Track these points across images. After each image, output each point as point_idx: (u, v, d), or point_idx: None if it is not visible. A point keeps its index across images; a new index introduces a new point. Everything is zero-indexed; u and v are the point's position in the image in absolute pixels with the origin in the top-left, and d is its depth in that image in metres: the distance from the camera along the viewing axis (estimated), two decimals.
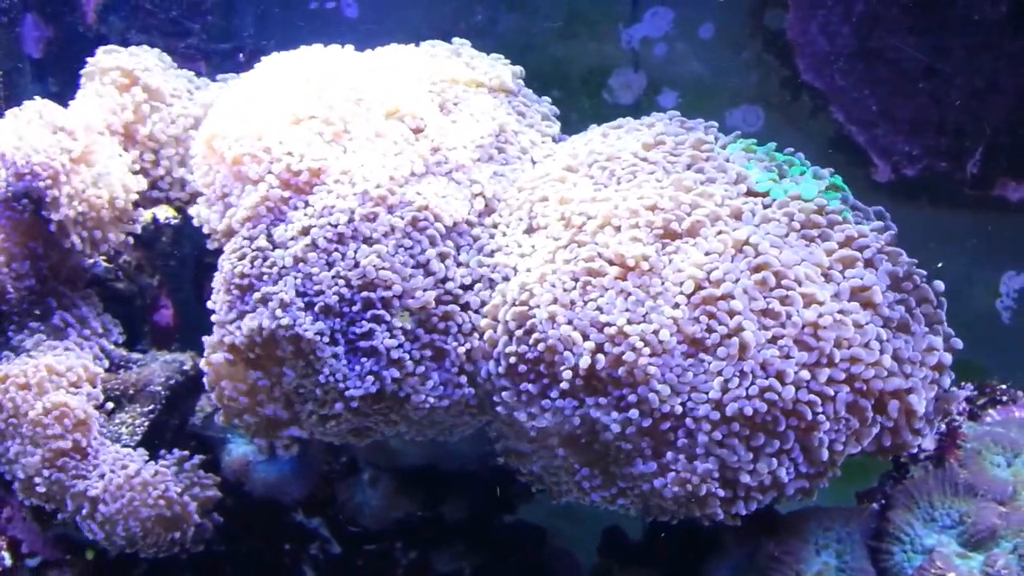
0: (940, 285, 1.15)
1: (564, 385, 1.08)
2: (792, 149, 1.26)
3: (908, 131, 1.52)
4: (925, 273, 1.14)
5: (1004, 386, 1.31)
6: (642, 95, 1.70)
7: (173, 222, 1.48)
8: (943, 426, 1.26)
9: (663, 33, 1.68)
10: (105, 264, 1.50)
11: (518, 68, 1.37)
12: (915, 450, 1.22)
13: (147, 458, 1.34)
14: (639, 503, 1.13)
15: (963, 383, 1.33)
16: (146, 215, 1.46)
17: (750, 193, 1.18)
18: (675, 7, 1.67)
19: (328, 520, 1.45)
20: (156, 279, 1.53)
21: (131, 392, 1.41)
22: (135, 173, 1.43)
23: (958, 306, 1.60)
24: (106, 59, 1.46)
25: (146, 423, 1.39)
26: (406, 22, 1.70)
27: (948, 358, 1.13)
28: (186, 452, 1.36)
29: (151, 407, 1.41)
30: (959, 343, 1.14)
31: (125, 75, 1.45)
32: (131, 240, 1.43)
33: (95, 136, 1.38)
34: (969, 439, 1.22)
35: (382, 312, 1.14)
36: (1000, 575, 1.10)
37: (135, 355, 1.46)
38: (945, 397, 1.15)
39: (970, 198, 1.52)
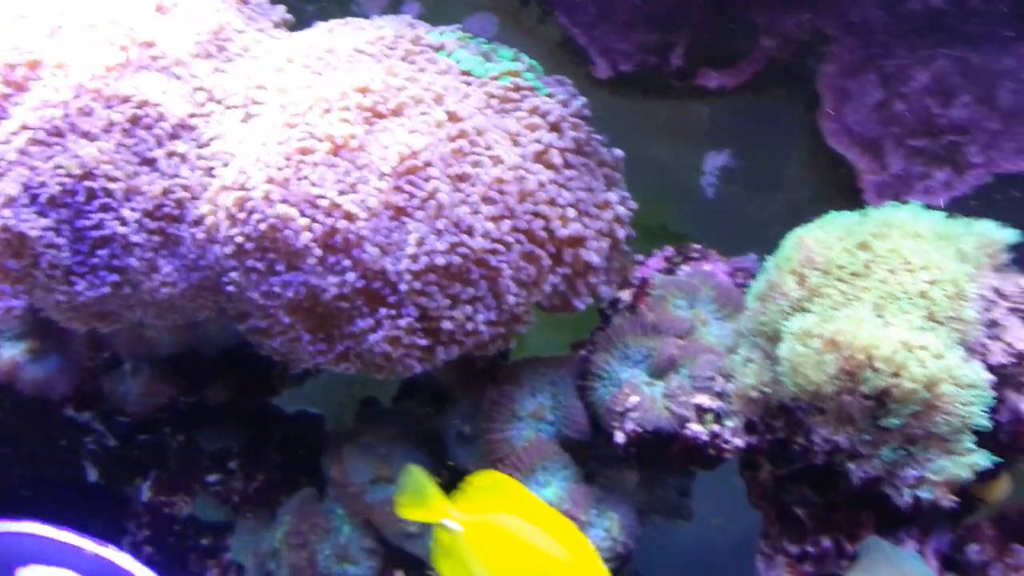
0: (619, 152, 1.22)
1: (286, 258, 1.10)
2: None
3: (622, 30, 1.59)
4: (602, 139, 1.21)
5: (697, 246, 1.42)
6: (387, 5, 1.70)
7: None
8: (637, 276, 1.36)
9: None
10: None
11: None
12: (604, 303, 1.32)
13: None
14: (358, 363, 1.16)
15: (664, 246, 1.44)
16: None
17: (455, 78, 1.22)
18: None
19: (99, 414, 1.43)
20: None
21: None
22: None
23: (670, 186, 1.71)
24: None
25: None
26: None
27: (623, 212, 1.20)
28: None
29: None
30: (634, 204, 1.22)
31: None
32: None
33: None
34: (656, 287, 1.32)
35: (108, 201, 1.13)
36: (676, 394, 1.20)
37: None
38: (624, 253, 1.23)
39: (676, 88, 1.61)
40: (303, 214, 1.07)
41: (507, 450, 1.24)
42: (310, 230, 1.07)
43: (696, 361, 1.22)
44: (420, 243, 1.07)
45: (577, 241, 1.15)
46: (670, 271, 1.37)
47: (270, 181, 1.08)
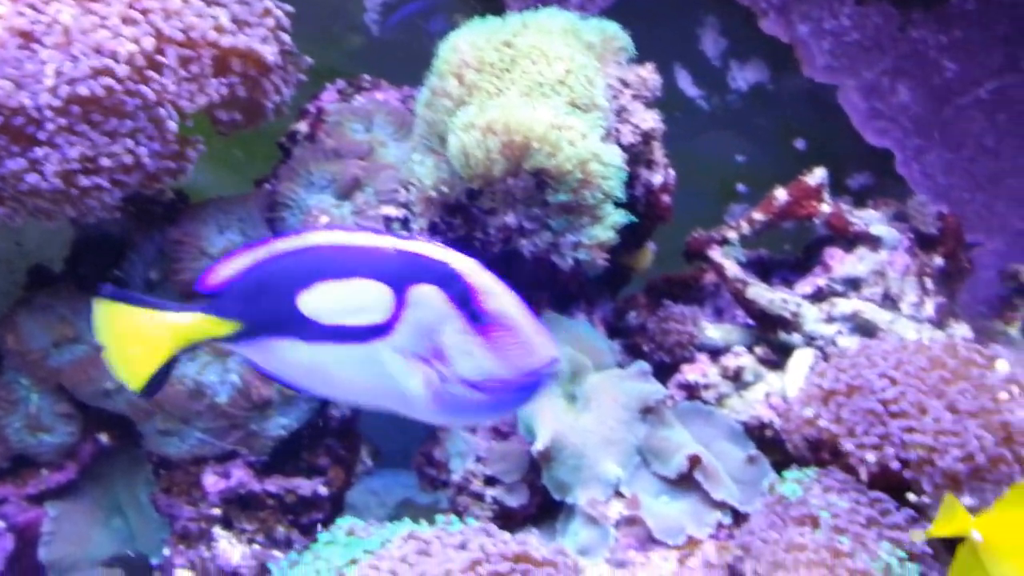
0: None
1: None
2: None
3: None
4: None
5: (368, 77, 1.47)
6: None
7: None
8: (312, 108, 1.38)
9: None
10: None
11: None
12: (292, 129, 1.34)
13: None
14: (15, 207, 1.08)
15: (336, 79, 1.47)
16: None
17: None
18: None
19: None
20: None
21: None
22: None
23: (335, 27, 1.73)
24: None
25: None
26: None
27: (284, 18, 1.21)
28: None
29: None
30: (289, 7, 1.24)
31: None
32: None
33: None
34: (332, 114, 1.35)
35: None
36: (363, 209, 1.26)
37: None
38: (294, 54, 1.24)
39: None
40: None
41: None
42: None
43: (378, 178, 1.28)
44: (57, 73, 1.01)
45: (243, 50, 1.13)
46: (344, 102, 1.41)
47: None
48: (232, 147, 1.63)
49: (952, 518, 0.98)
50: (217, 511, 1.27)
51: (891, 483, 1.10)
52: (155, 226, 1.25)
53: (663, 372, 1.37)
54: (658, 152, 1.32)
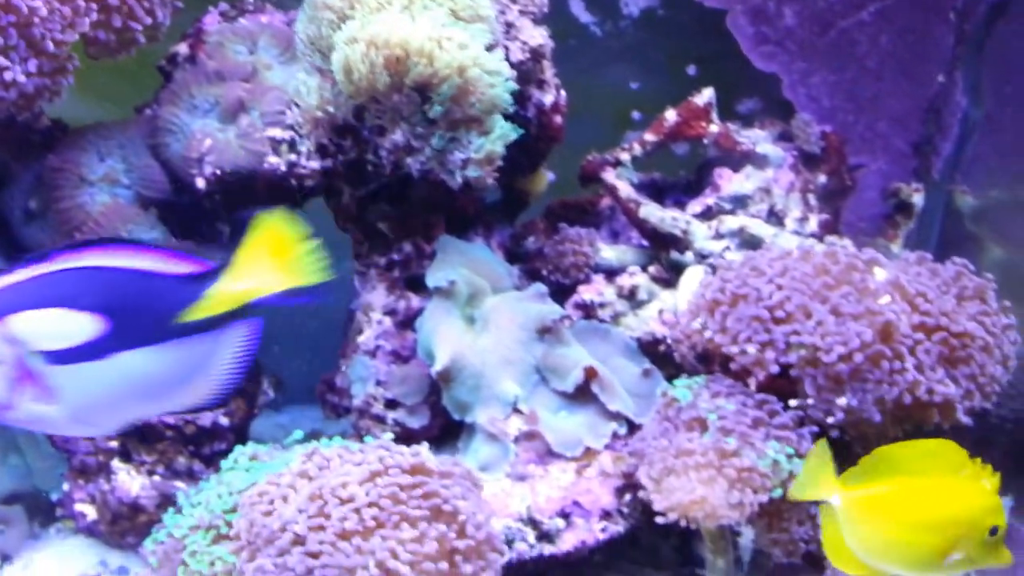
0: None
1: None
2: None
3: None
4: None
5: (252, 0, 1.42)
6: None
7: None
8: (192, 30, 1.34)
9: None
10: None
11: None
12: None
13: None
14: None
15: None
16: None
17: None
18: None
19: None
20: None
21: None
22: None
23: None
24: None
25: None
26: None
27: None
28: None
29: None
30: None
31: None
32: None
33: None
34: (212, 35, 1.31)
35: None
36: (248, 132, 1.24)
37: None
38: None
39: None
40: None
41: (83, 217, 1.19)
42: None
43: (264, 99, 1.25)
44: None
45: None
46: (227, 24, 1.37)
47: None
48: (117, 81, 1.57)
49: (817, 481, 0.95)
50: (115, 444, 1.25)
51: (779, 392, 1.14)
52: (33, 155, 1.21)
53: (561, 293, 1.39)
54: (548, 71, 1.32)
